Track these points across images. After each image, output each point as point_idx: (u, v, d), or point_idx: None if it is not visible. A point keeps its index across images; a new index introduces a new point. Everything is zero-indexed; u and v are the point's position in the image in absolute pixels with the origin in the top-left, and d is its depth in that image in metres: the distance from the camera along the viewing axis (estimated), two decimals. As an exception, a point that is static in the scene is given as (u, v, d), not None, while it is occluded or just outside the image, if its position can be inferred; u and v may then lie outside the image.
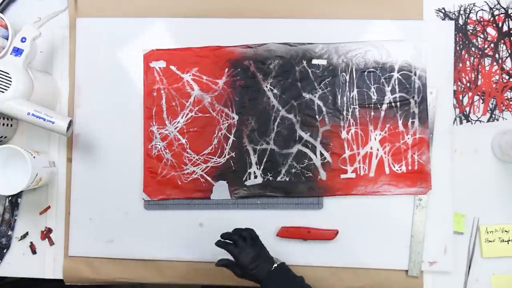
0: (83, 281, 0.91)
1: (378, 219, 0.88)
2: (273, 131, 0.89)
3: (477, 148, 0.89)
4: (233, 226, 0.88)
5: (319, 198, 0.88)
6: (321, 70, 0.89)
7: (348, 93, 0.88)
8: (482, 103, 0.90)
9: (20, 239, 0.91)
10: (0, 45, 0.84)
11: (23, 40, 0.79)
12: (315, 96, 0.89)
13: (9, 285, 1.20)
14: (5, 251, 0.91)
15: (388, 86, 0.88)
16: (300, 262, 0.88)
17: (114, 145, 0.90)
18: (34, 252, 0.91)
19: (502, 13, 0.90)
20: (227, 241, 0.77)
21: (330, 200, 0.88)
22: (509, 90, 0.90)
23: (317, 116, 0.88)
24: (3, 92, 0.76)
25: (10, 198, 0.91)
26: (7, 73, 0.77)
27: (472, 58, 0.90)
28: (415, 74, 0.88)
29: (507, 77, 0.90)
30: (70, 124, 0.79)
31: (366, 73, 0.88)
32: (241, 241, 0.75)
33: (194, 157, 0.89)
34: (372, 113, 0.88)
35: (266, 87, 0.89)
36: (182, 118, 0.90)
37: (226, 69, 0.89)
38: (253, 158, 0.89)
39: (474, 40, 0.90)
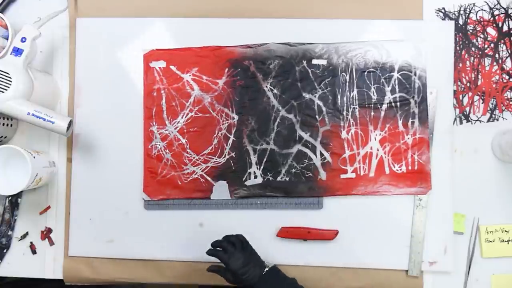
0: (83, 281, 0.91)
1: (378, 219, 0.88)
2: (273, 131, 0.89)
3: (477, 148, 0.89)
4: (233, 226, 0.88)
5: (319, 198, 0.88)
6: (321, 70, 0.89)
7: (348, 93, 0.88)
8: (482, 103, 0.90)
9: (20, 239, 0.91)
10: (0, 45, 0.84)
11: (23, 40, 0.79)
12: (315, 96, 0.89)
13: (9, 285, 1.20)
14: (5, 251, 0.91)
15: (388, 86, 0.88)
16: (300, 262, 0.88)
17: (114, 145, 0.90)
18: (34, 252, 0.91)
19: (502, 13, 0.90)
20: (218, 248, 0.77)
21: (330, 200, 0.88)
22: (509, 90, 0.90)
23: (317, 116, 0.88)
24: (3, 92, 0.76)
25: (10, 198, 0.91)
26: (7, 73, 0.77)
27: (472, 58, 0.90)
28: (415, 74, 0.88)
29: (507, 77, 0.90)
30: (70, 124, 0.79)
31: (366, 73, 0.88)
32: (230, 247, 0.75)
33: (194, 157, 0.89)
34: (372, 113, 0.88)
35: (266, 87, 0.89)
36: (182, 118, 0.90)
37: (226, 69, 0.89)
38: (253, 158, 0.89)
39: (474, 40, 0.90)
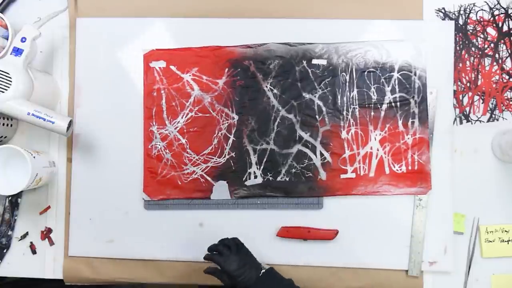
0: (83, 281, 0.91)
1: (378, 219, 0.88)
2: (273, 131, 0.89)
3: (477, 148, 0.89)
4: (233, 226, 0.88)
5: (319, 198, 0.88)
6: (321, 70, 0.89)
7: (348, 93, 0.88)
8: (482, 103, 0.90)
9: (20, 239, 0.91)
10: (0, 45, 0.84)
11: (23, 40, 0.79)
12: (315, 96, 0.89)
13: (9, 285, 1.20)
14: (5, 251, 0.91)
15: (388, 86, 0.88)
16: (300, 262, 0.88)
17: (114, 145, 0.90)
18: (34, 252, 0.91)
19: (502, 13, 0.90)
20: (214, 252, 0.77)
21: (330, 200, 0.88)
22: (509, 90, 0.90)
23: (317, 116, 0.88)
24: (3, 92, 0.76)
25: (10, 198, 0.91)
26: (7, 73, 0.77)
27: (472, 58, 0.90)
28: (415, 74, 0.88)
29: (507, 77, 0.90)
30: (70, 124, 0.79)
31: (366, 73, 0.88)
32: (225, 250, 0.76)
33: (194, 157, 0.89)
34: (372, 113, 0.88)
35: (266, 87, 0.89)
36: (182, 118, 0.90)
37: (226, 69, 0.89)
38: (253, 158, 0.89)
39: (474, 40, 0.90)
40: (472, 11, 0.90)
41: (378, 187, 0.87)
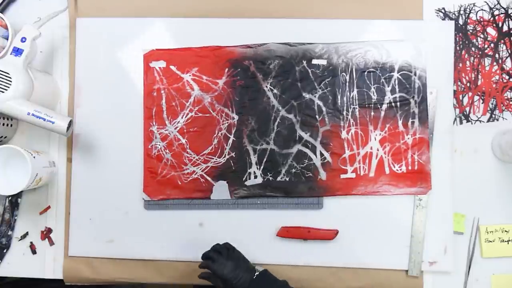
0: (83, 281, 0.91)
1: (378, 219, 0.88)
2: (273, 131, 0.89)
3: (477, 148, 0.89)
4: (233, 226, 0.88)
5: (319, 198, 0.88)
6: (321, 70, 0.89)
7: (348, 93, 0.88)
8: (482, 103, 0.90)
9: (20, 239, 0.91)
10: (0, 45, 0.84)
11: (23, 40, 0.79)
12: (315, 96, 0.89)
13: (9, 285, 1.20)
14: (5, 251, 0.91)
15: (388, 86, 0.88)
16: (300, 262, 0.88)
17: (114, 145, 0.90)
18: (34, 252, 0.91)
19: (502, 13, 0.90)
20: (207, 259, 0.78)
21: (330, 200, 0.88)
22: (509, 90, 0.90)
23: (317, 116, 0.88)
24: (3, 92, 0.76)
25: (10, 198, 0.91)
26: (7, 73, 0.77)
27: (472, 58, 0.90)
28: (415, 74, 0.88)
29: (507, 77, 0.90)
30: (70, 124, 0.79)
31: (366, 73, 0.88)
32: (216, 255, 0.76)
33: (194, 157, 0.89)
34: (372, 113, 0.88)
35: (266, 87, 0.89)
36: (182, 118, 0.90)
37: (226, 69, 0.89)
38: (253, 158, 0.89)
39: (474, 40, 0.90)
40: (472, 11, 0.90)
41: (378, 187, 0.87)
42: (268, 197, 0.89)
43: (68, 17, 0.92)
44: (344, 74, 0.89)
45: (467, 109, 0.90)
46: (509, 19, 0.90)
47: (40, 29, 0.81)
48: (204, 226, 0.89)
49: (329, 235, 0.87)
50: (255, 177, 0.88)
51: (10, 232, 0.91)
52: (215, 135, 0.89)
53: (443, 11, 0.90)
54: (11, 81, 0.77)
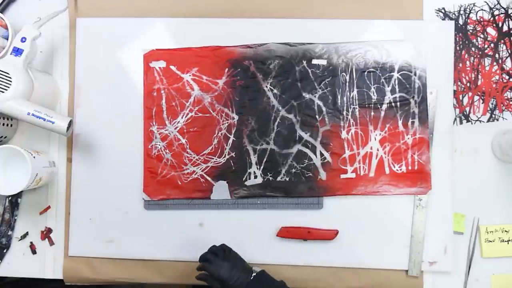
0: (83, 281, 0.91)
1: (378, 219, 0.88)
2: (273, 131, 0.89)
3: (477, 148, 0.89)
4: (233, 226, 0.88)
5: (319, 198, 0.88)
6: (321, 70, 0.89)
7: (348, 93, 0.88)
8: (482, 103, 0.90)
9: (20, 239, 0.91)
10: (0, 45, 0.84)
11: (23, 40, 0.79)
12: (315, 96, 0.89)
13: (9, 285, 1.20)
14: (5, 251, 0.91)
15: (388, 86, 0.88)
16: (300, 262, 0.88)
17: (114, 145, 0.90)
18: (34, 252, 0.91)
19: (502, 13, 0.90)
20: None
21: (330, 200, 0.88)
22: (509, 90, 0.90)
23: (317, 116, 0.88)
24: (3, 92, 0.76)
25: (10, 198, 0.91)
26: (7, 73, 0.77)
27: (472, 58, 0.90)
28: (415, 74, 0.88)
29: (507, 77, 0.90)
30: (70, 124, 0.79)
31: (366, 73, 0.88)
32: (212, 257, 0.76)
33: (194, 157, 0.89)
34: (372, 113, 0.88)
35: (266, 87, 0.89)
36: (182, 118, 0.90)
37: (226, 69, 0.89)
38: (253, 158, 0.89)
39: (474, 40, 0.90)
40: (472, 11, 0.90)
41: (378, 187, 0.87)
42: (268, 197, 0.89)
43: (68, 17, 0.92)
44: (344, 74, 0.89)
45: (467, 109, 0.90)
46: (509, 19, 0.90)
47: (40, 29, 0.81)
48: (204, 226, 0.89)
49: (329, 235, 0.87)
50: (255, 177, 0.88)
51: (10, 232, 0.91)
52: (215, 135, 0.89)
53: (443, 11, 0.90)
54: (11, 81, 0.77)
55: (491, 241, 0.88)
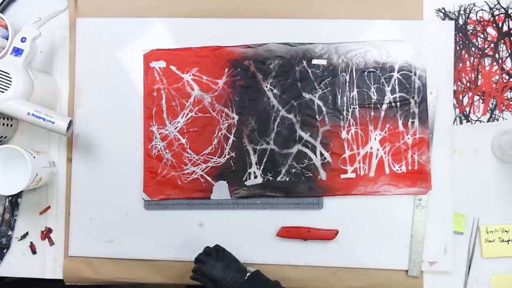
0: (83, 281, 0.91)
1: (378, 219, 0.88)
2: (273, 131, 0.89)
3: (477, 148, 0.89)
4: (233, 226, 0.88)
5: (319, 198, 0.88)
6: (321, 70, 0.89)
7: (348, 93, 0.88)
8: (482, 103, 0.90)
9: (20, 239, 0.91)
10: (0, 45, 0.84)
11: (23, 40, 0.79)
12: (315, 96, 0.89)
13: (9, 285, 1.20)
14: (5, 251, 0.91)
15: (388, 86, 0.88)
16: (300, 262, 0.88)
17: (114, 145, 0.90)
18: (34, 252, 0.91)
19: (502, 13, 0.90)
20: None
21: (330, 200, 0.88)
22: (509, 90, 0.90)
23: (317, 116, 0.88)
24: (3, 92, 0.76)
25: (10, 198, 0.91)
26: (7, 73, 0.77)
27: (472, 58, 0.90)
28: (415, 74, 0.88)
29: (507, 77, 0.90)
30: (70, 124, 0.79)
31: (366, 73, 0.88)
32: (206, 258, 0.76)
33: (194, 157, 0.89)
34: (372, 113, 0.88)
35: (266, 87, 0.89)
36: (182, 118, 0.90)
37: (226, 69, 0.89)
38: (253, 158, 0.89)
39: (474, 40, 0.90)
40: (472, 11, 0.90)
41: (378, 187, 0.87)
42: (268, 197, 0.89)
43: (68, 17, 0.92)
44: (344, 74, 0.89)
45: (467, 109, 0.90)
46: (509, 19, 0.90)
47: (40, 29, 0.81)
48: (204, 226, 0.89)
49: (329, 235, 0.87)
50: (255, 177, 0.88)
51: (10, 232, 0.91)
52: (215, 135, 0.89)
53: (443, 11, 0.90)
54: (11, 81, 0.77)
55: (491, 241, 0.88)
